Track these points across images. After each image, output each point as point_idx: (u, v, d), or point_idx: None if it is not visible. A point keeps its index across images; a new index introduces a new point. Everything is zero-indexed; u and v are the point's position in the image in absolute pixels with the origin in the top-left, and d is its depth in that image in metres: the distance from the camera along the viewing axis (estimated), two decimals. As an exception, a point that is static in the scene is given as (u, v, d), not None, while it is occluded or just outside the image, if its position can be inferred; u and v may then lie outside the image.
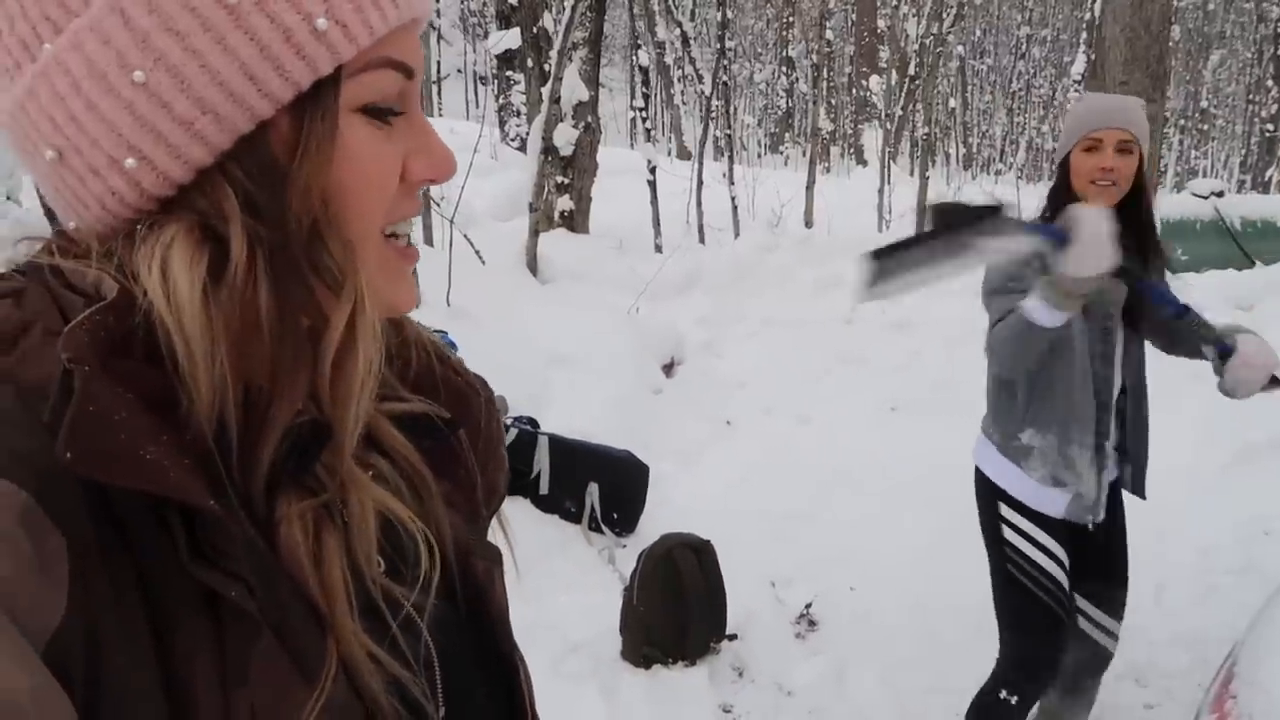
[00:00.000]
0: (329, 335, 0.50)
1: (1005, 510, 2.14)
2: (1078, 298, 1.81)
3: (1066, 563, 2.12)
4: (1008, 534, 2.14)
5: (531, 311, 5.42)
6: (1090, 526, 2.14)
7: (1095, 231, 1.71)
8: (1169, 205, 8.36)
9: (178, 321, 0.45)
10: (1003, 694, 2.15)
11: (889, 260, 1.74)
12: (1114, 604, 2.27)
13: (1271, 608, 1.36)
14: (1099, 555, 2.23)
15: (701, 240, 9.39)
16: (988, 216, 1.74)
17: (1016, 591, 2.13)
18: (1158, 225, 2.08)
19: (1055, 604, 2.10)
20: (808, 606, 3.43)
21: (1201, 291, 6.60)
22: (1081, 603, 2.26)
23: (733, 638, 3.13)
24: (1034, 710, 2.28)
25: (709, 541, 3.11)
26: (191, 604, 0.45)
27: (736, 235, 9.50)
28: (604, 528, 3.83)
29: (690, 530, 3.18)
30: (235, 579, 0.44)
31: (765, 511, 4.08)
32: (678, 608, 2.96)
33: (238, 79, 0.46)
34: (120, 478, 0.42)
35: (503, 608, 0.65)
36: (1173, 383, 4.88)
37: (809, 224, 11.01)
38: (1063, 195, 2.02)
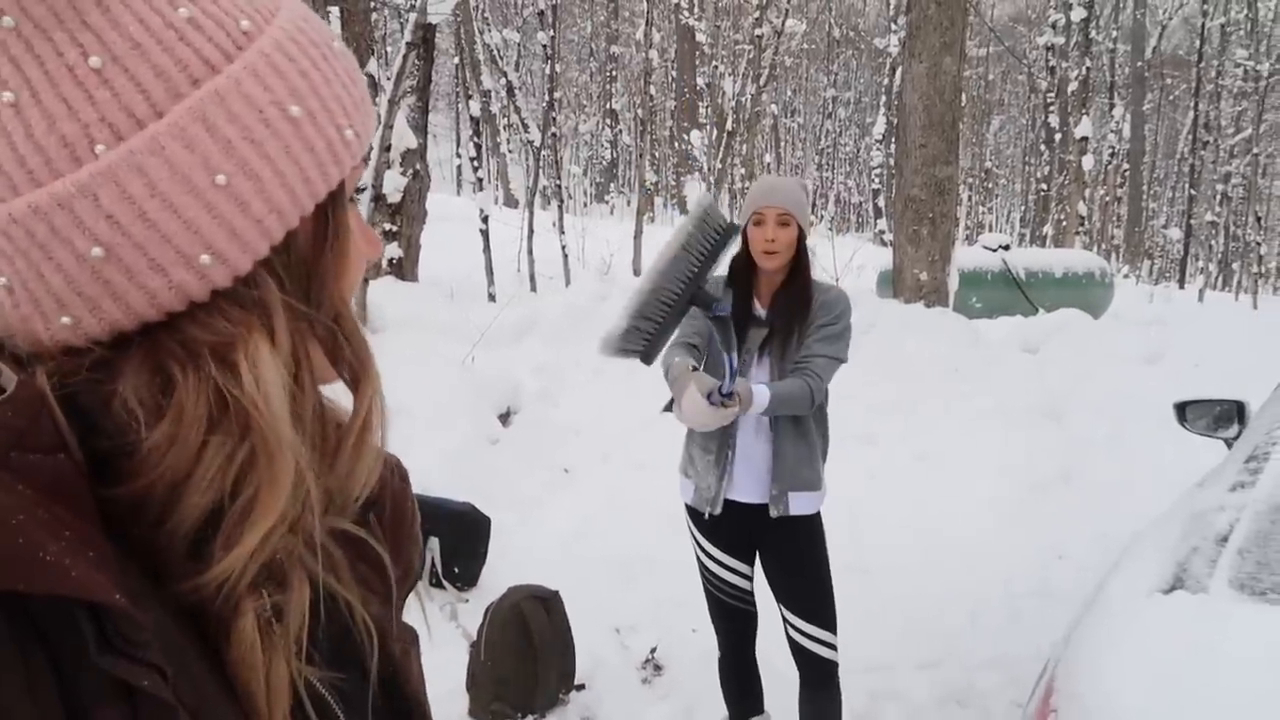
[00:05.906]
0: (351, 422, 0.54)
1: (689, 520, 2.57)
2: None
3: (730, 562, 2.54)
4: (693, 545, 2.58)
5: (363, 362, 5.27)
6: (707, 515, 2.46)
7: (692, 403, 2.14)
8: (965, 257, 9.10)
9: (266, 412, 0.48)
10: (719, 654, 2.71)
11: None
12: (809, 612, 2.47)
13: (1081, 626, 1.52)
14: (782, 568, 2.51)
15: (533, 288, 9.44)
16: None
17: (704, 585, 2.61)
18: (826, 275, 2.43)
19: (725, 596, 2.57)
20: (653, 651, 3.48)
21: (995, 336, 7.21)
22: (787, 614, 2.50)
23: (581, 688, 3.13)
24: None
25: (557, 592, 3.11)
26: (108, 694, 0.44)
27: (568, 283, 9.61)
28: (445, 583, 3.75)
29: (533, 580, 3.17)
30: (147, 667, 0.44)
31: (606, 558, 4.11)
32: (528, 661, 2.94)
33: (298, 181, 0.52)
34: (16, 583, 0.41)
35: (420, 689, 0.64)
36: (972, 422, 5.30)
37: (637, 272, 11.26)
38: (746, 261, 2.39)
